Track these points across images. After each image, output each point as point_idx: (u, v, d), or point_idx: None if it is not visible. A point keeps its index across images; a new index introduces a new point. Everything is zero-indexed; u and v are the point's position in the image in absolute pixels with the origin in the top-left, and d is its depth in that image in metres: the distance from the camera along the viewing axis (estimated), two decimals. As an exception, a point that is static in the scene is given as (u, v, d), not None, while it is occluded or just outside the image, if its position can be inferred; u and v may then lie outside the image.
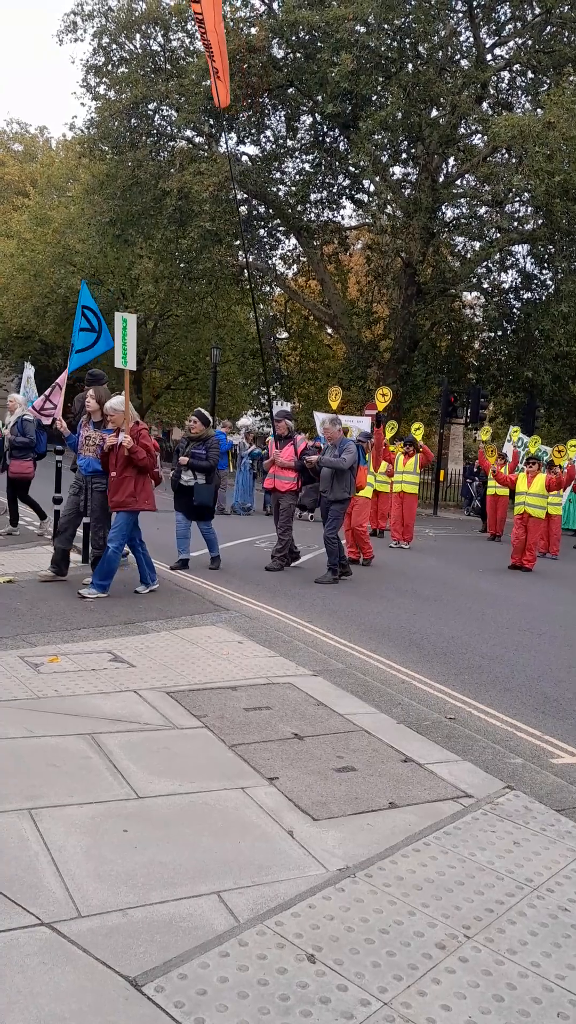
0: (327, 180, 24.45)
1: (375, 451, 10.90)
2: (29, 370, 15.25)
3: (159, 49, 24.12)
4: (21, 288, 33.24)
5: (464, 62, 22.61)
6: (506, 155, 21.46)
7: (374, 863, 3.02)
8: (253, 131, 24.33)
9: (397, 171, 24.71)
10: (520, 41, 22.28)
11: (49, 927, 2.46)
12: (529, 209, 22.11)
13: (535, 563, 11.96)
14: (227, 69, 9.03)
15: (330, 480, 9.21)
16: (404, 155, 24.07)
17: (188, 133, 25.13)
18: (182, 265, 25.53)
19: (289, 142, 25.00)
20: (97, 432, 7.64)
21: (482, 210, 23.57)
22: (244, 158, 24.81)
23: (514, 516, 12.28)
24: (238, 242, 25.02)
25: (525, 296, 25.25)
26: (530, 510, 11.89)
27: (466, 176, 23.68)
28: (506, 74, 23.64)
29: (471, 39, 22.47)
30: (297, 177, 24.86)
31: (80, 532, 9.04)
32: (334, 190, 24.93)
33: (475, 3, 21.70)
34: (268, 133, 24.88)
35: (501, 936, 2.63)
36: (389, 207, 22.58)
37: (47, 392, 9.96)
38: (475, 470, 19.92)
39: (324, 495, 9.30)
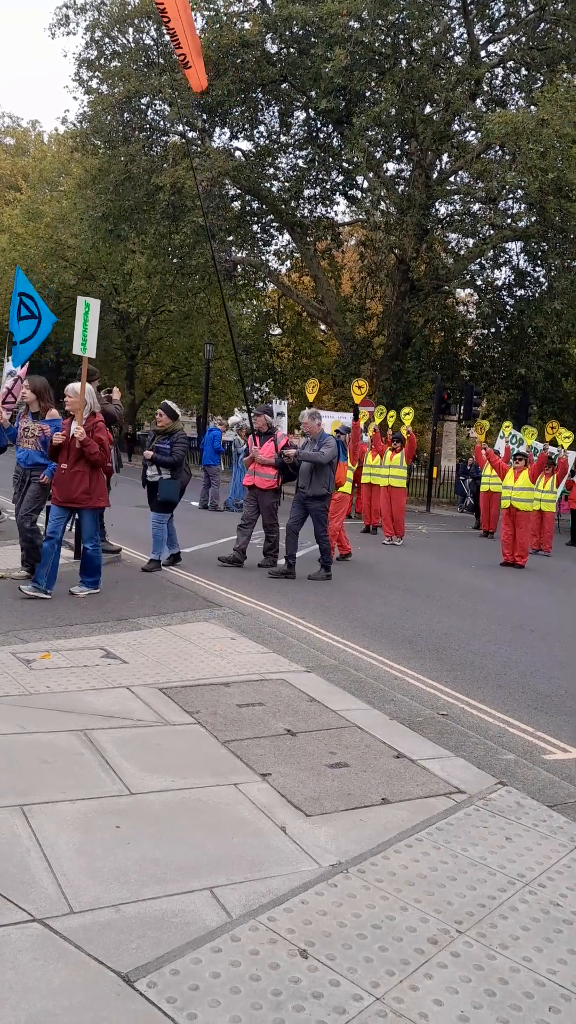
0: (320, 176, 24.40)
1: (351, 444, 10.68)
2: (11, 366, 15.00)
3: (152, 43, 24.00)
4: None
5: (458, 58, 22.59)
6: (500, 152, 21.47)
7: (367, 859, 3.02)
8: (246, 126, 24.25)
9: (391, 167, 24.71)
10: (514, 38, 22.28)
11: (41, 923, 2.46)
12: (522, 206, 22.12)
13: (527, 559, 11.90)
14: (199, 49, 8.60)
15: (308, 475, 9.01)
16: (398, 151, 24.04)
17: (181, 128, 25.03)
18: (175, 260, 25.46)
19: (282, 138, 24.94)
20: (36, 423, 7.42)
21: (475, 207, 23.56)
22: (237, 153, 24.74)
23: (501, 512, 12.20)
24: (231, 237, 24.96)
25: (518, 293, 25.28)
26: (517, 504, 11.82)
27: (460, 173, 23.68)
28: (500, 71, 23.64)
29: (465, 35, 22.44)
30: (290, 173, 24.80)
31: (71, 527, 9.02)
32: (327, 186, 24.88)
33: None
34: (261, 128, 24.81)
35: (493, 931, 2.64)
36: (383, 203, 22.56)
37: (8, 385, 9.81)
38: (468, 467, 19.93)
39: (302, 490, 9.09)
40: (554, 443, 15.97)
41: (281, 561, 9.19)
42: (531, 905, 2.81)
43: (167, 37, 22.80)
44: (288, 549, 9.03)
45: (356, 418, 11.17)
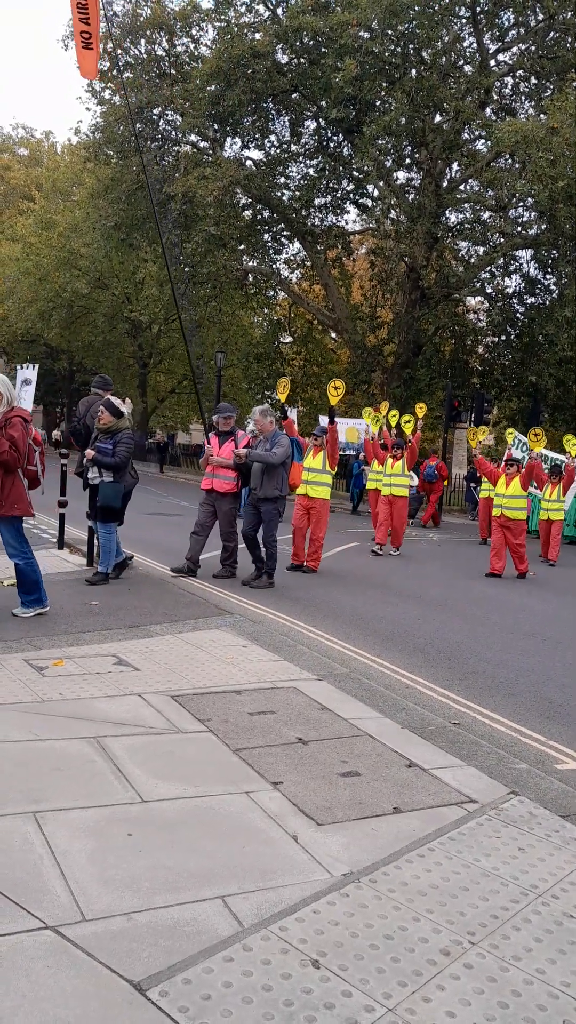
0: (331, 185, 24.50)
1: (330, 447, 9.98)
2: (27, 373, 15.10)
3: (164, 54, 24.22)
4: (26, 292, 33.40)
5: (468, 67, 22.67)
6: (510, 160, 21.50)
7: (378, 868, 3.01)
8: (257, 136, 24.40)
9: (401, 176, 24.78)
10: (523, 47, 22.34)
11: (54, 931, 2.46)
12: (533, 214, 22.16)
13: (527, 566, 11.43)
14: (99, 39, 8.33)
15: (260, 476, 8.56)
16: (408, 160, 24.13)
17: (192, 138, 25.21)
18: (186, 269, 25.61)
19: (293, 147, 25.08)
20: None
21: (486, 215, 23.59)
22: (248, 163, 24.87)
23: (492, 520, 11.72)
24: (243, 246, 25.07)
25: (529, 301, 25.28)
26: (508, 512, 11.30)
27: (470, 181, 23.73)
28: (509, 79, 23.71)
29: (475, 45, 22.52)
30: (301, 182, 24.93)
31: (85, 535, 9.06)
32: (338, 195, 24.99)
33: (478, 9, 21.75)
34: (272, 138, 24.96)
35: (506, 942, 2.62)
36: (393, 212, 22.62)
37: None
38: (478, 475, 19.79)
39: (253, 492, 8.67)
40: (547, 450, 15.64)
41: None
42: (544, 916, 2.79)
43: (204, 49, 22.94)
44: (253, 555, 8.71)
45: (332, 420, 10.46)
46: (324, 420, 16.07)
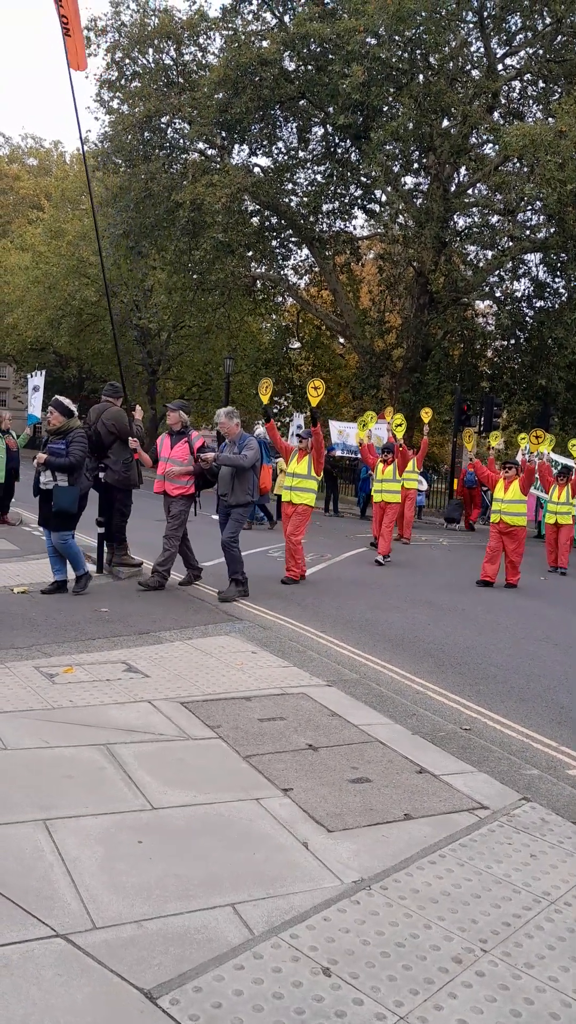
0: (339, 191, 24.52)
1: (315, 452, 9.46)
2: (37, 379, 15.23)
3: (171, 63, 24.33)
4: (36, 300, 33.61)
5: (475, 72, 22.66)
6: (518, 164, 21.47)
7: (389, 875, 3.00)
8: (265, 143, 24.47)
9: (409, 181, 24.77)
10: (531, 51, 22.31)
11: (64, 939, 2.46)
12: (541, 218, 22.10)
13: (519, 578, 10.80)
14: (79, 27, 8.06)
15: (230, 481, 8.05)
16: (415, 165, 24.12)
17: (200, 145, 25.32)
18: (195, 276, 25.68)
19: (301, 153, 25.12)
20: None
21: (494, 219, 23.57)
22: (256, 169, 24.95)
23: (489, 525, 11.15)
24: (251, 253, 25.14)
25: (538, 304, 25.21)
26: (507, 518, 10.69)
27: (478, 185, 23.71)
28: (517, 84, 23.68)
29: (482, 49, 22.52)
30: (309, 188, 24.96)
31: (95, 542, 9.10)
32: (346, 200, 25.00)
33: (486, 14, 21.77)
34: (280, 144, 25.02)
35: (518, 950, 2.61)
36: (401, 217, 22.62)
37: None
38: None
39: (223, 498, 8.17)
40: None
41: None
42: (557, 924, 2.77)
43: (211, 58, 23.03)
44: (235, 563, 8.10)
45: (315, 423, 9.56)
46: (382, 430, 15.51)
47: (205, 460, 8.12)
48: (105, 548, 8.91)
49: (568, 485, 12.99)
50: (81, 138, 13.70)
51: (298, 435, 9.81)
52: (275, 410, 34.76)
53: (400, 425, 12.98)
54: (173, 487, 8.22)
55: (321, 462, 9.66)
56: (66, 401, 7.55)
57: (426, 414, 14.26)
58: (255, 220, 25.51)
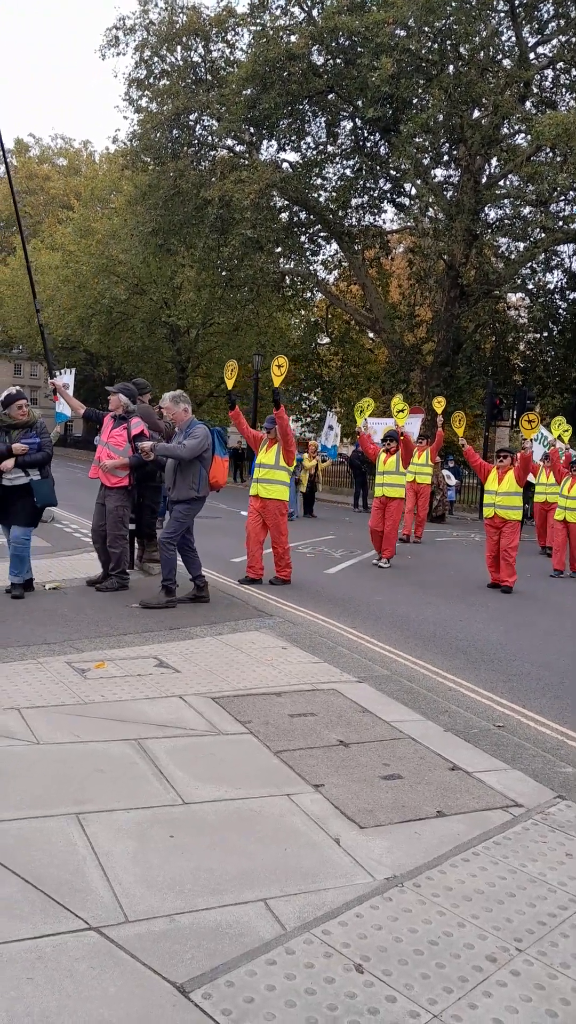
0: (368, 185, 24.37)
1: (283, 439, 8.62)
2: (67, 377, 15.39)
3: (200, 60, 24.37)
4: (66, 299, 33.93)
5: (506, 62, 22.36)
6: (550, 154, 21.16)
7: (422, 872, 2.97)
8: (294, 138, 24.41)
9: (439, 173, 24.53)
10: (563, 39, 21.94)
11: (97, 932, 2.48)
12: (574, 208, 21.76)
13: (516, 579, 9.76)
14: None
15: (173, 474, 7.33)
16: (446, 157, 23.88)
17: (229, 142, 25.33)
18: (223, 273, 25.73)
19: (330, 148, 25.02)
20: None
21: (526, 210, 23.26)
22: (285, 165, 24.90)
23: (484, 522, 10.08)
24: (280, 249, 25.10)
25: (571, 296, 24.87)
26: (501, 512, 9.69)
27: (509, 176, 23.40)
28: (549, 72, 23.32)
29: (513, 38, 22.20)
30: (338, 182, 24.85)
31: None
32: (375, 194, 24.84)
33: (517, 2, 21.46)
34: (308, 139, 24.94)
35: (554, 950, 2.57)
36: (431, 210, 22.41)
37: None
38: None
39: (168, 493, 7.50)
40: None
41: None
42: (593, 924, 2.72)
43: (240, 54, 23.16)
44: (167, 569, 7.29)
45: (277, 406, 8.63)
46: (415, 424, 14.76)
47: (143, 448, 7.43)
48: (136, 544, 8.94)
49: None
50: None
51: (264, 424, 8.97)
52: (304, 406, 34.72)
53: (402, 411, 11.39)
54: (109, 477, 7.65)
55: (291, 451, 8.78)
56: (13, 391, 7.15)
57: (439, 403, 13.01)
58: (284, 216, 25.46)
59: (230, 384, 9.24)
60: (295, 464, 8.96)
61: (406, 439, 11.07)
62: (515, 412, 23.26)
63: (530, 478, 13.36)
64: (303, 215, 25.85)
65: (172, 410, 7.44)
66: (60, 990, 2.20)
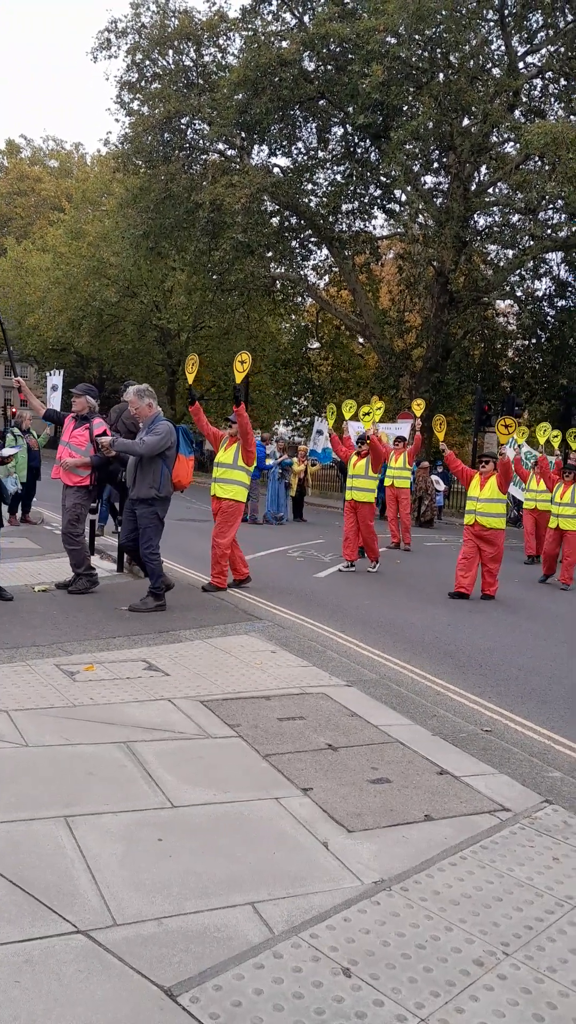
0: (358, 190, 24.49)
1: (242, 438, 8.28)
2: (54, 379, 15.41)
3: (191, 64, 24.43)
4: (56, 301, 33.87)
5: (496, 70, 22.53)
6: (539, 162, 21.33)
7: (410, 876, 2.98)
8: (284, 143, 24.49)
9: (429, 180, 24.69)
10: (552, 48, 22.15)
11: (85, 935, 2.47)
12: (563, 216, 21.93)
13: (497, 588, 9.58)
14: None
15: (134, 472, 7.16)
16: (436, 164, 24.04)
17: (220, 146, 25.38)
18: (214, 277, 25.76)
19: (320, 153, 25.12)
20: None
21: (515, 218, 23.44)
22: (276, 170, 24.98)
23: (464, 528, 9.69)
24: (270, 253, 25.17)
25: (559, 303, 25.06)
26: (482, 519, 9.36)
27: (498, 184, 23.59)
28: (538, 81, 23.52)
29: (503, 47, 22.38)
30: (328, 188, 24.96)
31: (115, 541, 9.12)
32: (365, 200, 24.97)
33: (506, 12, 21.63)
34: (299, 145, 25.04)
35: (541, 954, 2.58)
36: (421, 216, 22.55)
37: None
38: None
39: (129, 491, 7.39)
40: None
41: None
42: (580, 927, 2.74)
43: (231, 59, 23.25)
44: (144, 570, 7.24)
45: (237, 403, 8.27)
46: (404, 429, 14.63)
47: (103, 444, 7.23)
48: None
49: (575, 483, 11.08)
50: None
51: (227, 419, 8.61)
52: (294, 411, 34.76)
53: (368, 414, 10.89)
54: (70, 476, 7.54)
55: (251, 451, 8.42)
56: None
57: (418, 406, 12.63)
58: (275, 221, 25.54)
59: (190, 379, 8.91)
60: (253, 465, 8.58)
61: (374, 443, 10.60)
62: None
63: (519, 493, 13.30)
64: (294, 220, 25.95)
65: (136, 404, 7.24)
66: (47, 993, 2.19)
